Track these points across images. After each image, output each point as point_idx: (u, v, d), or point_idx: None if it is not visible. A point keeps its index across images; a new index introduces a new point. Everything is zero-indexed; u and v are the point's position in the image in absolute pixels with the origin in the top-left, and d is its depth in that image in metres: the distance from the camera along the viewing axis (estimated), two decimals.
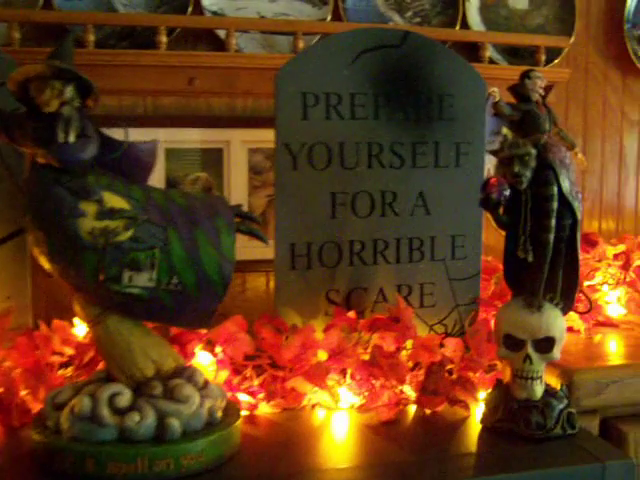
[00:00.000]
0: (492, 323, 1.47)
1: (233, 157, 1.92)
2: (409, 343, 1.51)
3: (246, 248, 1.44)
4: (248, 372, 1.43)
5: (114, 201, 1.13)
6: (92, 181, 1.13)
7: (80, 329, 1.52)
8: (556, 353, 1.33)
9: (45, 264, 1.15)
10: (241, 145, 1.93)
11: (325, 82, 1.56)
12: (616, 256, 2.03)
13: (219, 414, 1.22)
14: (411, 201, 1.64)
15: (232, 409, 1.27)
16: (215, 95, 1.91)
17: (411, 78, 1.62)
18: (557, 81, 2.13)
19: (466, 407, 1.42)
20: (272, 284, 1.68)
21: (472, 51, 2.07)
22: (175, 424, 1.15)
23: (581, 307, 1.58)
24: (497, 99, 1.48)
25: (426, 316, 1.67)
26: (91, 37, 1.75)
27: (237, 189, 1.93)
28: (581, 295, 1.52)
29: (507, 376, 1.36)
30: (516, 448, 1.28)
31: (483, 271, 1.75)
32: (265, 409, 1.41)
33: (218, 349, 1.43)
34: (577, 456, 1.26)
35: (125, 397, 1.16)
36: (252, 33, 1.95)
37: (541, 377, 1.33)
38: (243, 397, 1.39)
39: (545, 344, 1.32)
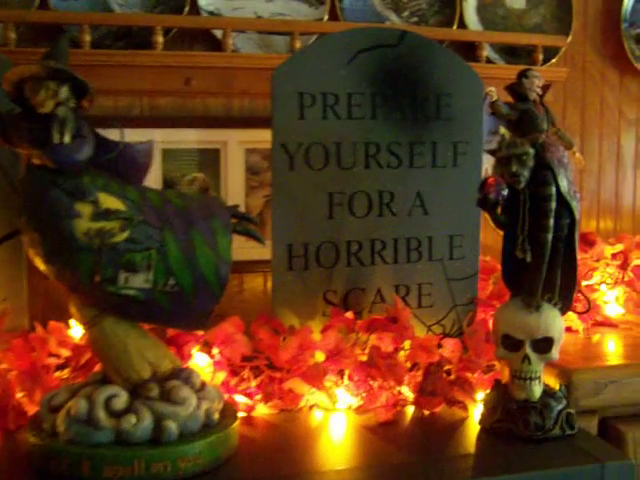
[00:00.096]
0: (490, 323, 1.47)
1: (230, 157, 1.92)
2: (407, 344, 1.51)
3: (243, 249, 1.44)
4: (245, 373, 1.43)
5: (110, 202, 1.13)
6: (88, 182, 1.12)
7: (76, 331, 1.52)
8: (555, 353, 1.33)
9: (41, 265, 1.14)
10: (238, 145, 1.92)
11: (322, 82, 1.56)
12: (614, 255, 2.03)
13: (216, 416, 1.22)
14: (409, 201, 1.64)
15: (229, 411, 1.27)
16: (212, 95, 1.91)
17: (408, 78, 1.61)
18: (554, 80, 2.12)
19: (464, 408, 1.42)
20: (269, 285, 1.68)
21: (469, 50, 2.06)
22: (172, 426, 1.14)
23: (579, 307, 1.58)
24: (494, 98, 1.48)
25: (424, 316, 1.66)
26: (87, 37, 1.74)
27: (234, 190, 1.92)
28: (579, 295, 1.52)
29: (505, 376, 1.36)
30: (515, 449, 1.28)
31: (481, 271, 1.74)
32: (262, 410, 1.40)
33: (215, 350, 1.43)
34: (576, 456, 1.26)
35: (121, 399, 1.16)
36: (249, 33, 1.95)
37: (540, 377, 1.33)
38: (240, 398, 1.39)
39: (543, 344, 1.32)
